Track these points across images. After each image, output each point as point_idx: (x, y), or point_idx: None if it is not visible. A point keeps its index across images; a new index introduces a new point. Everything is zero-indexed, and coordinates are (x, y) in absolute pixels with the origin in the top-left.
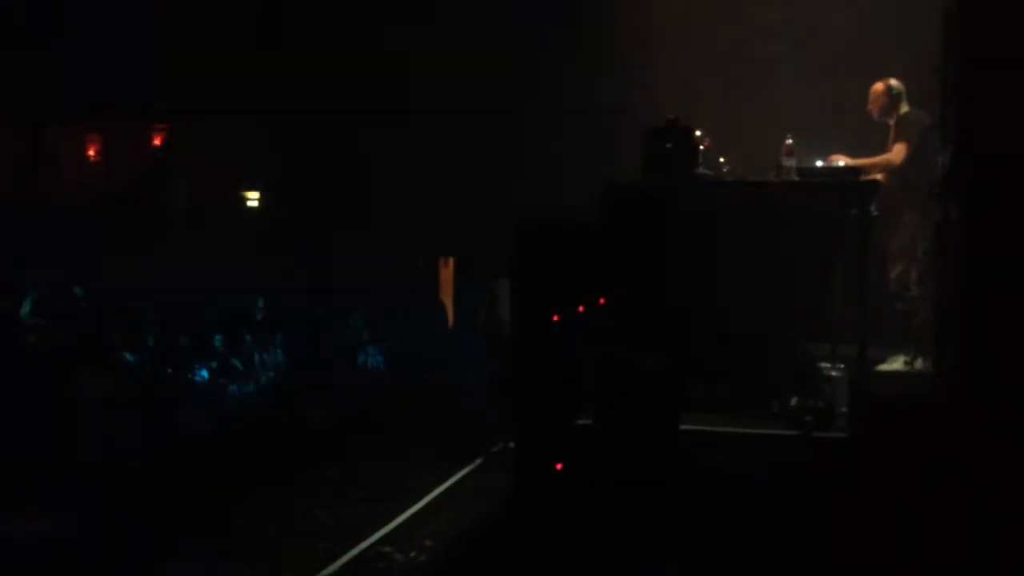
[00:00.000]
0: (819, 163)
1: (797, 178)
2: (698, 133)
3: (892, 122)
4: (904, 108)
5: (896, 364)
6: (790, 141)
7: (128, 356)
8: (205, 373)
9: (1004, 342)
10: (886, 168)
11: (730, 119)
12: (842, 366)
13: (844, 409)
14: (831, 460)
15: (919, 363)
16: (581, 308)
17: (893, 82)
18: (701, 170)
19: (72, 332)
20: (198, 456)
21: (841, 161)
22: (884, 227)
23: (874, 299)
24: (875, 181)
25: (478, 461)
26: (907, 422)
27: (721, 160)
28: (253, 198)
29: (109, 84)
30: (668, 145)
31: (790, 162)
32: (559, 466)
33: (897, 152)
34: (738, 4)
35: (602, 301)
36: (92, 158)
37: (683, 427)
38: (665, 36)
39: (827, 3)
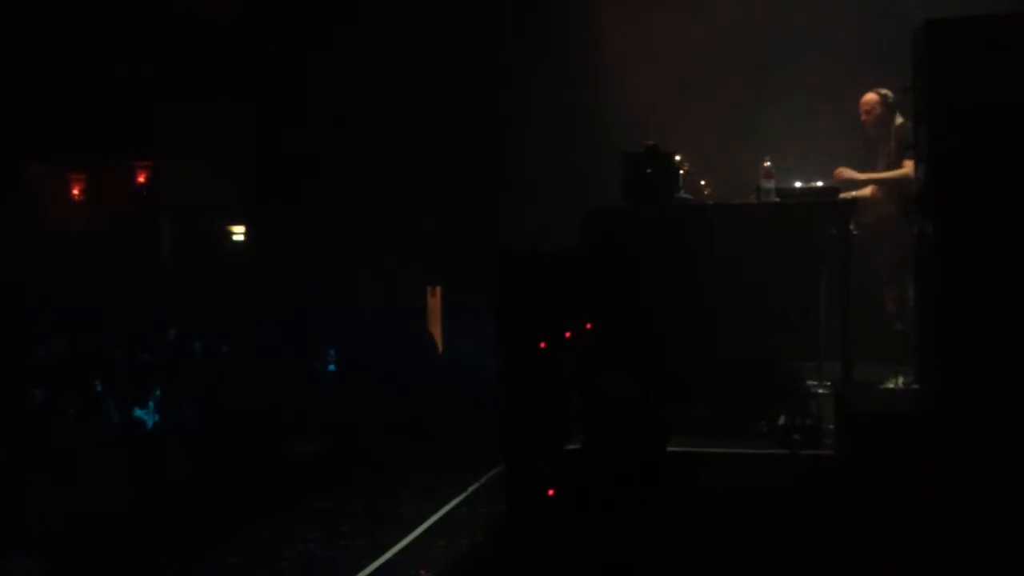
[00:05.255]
0: (798, 184)
1: (777, 199)
2: (678, 157)
3: (890, 134)
4: (899, 119)
5: (896, 383)
6: (768, 163)
7: (110, 397)
8: (187, 408)
9: (982, 358)
10: (901, 183)
11: (709, 143)
12: (828, 383)
13: (831, 426)
14: (819, 478)
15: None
16: (568, 334)
17: (886, 92)
18: (682, 194)
19: (58, 373)
20: (185, 494)
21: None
22: (878, 245)
23: (874, 318)
24: (854, 200)
25: (471, 489)
26: (893, 439)
27: (702, 183)
28: (239, 232)
29: (92, 121)
30: (648, 170)
31: (769, 184)
32: (551, 492)
33: (911, 167)
34: (714, 28)
35: (588, 326)
36: (76, 197)
37: (671, 449)
38: (643, 61)
39: (801, 26)
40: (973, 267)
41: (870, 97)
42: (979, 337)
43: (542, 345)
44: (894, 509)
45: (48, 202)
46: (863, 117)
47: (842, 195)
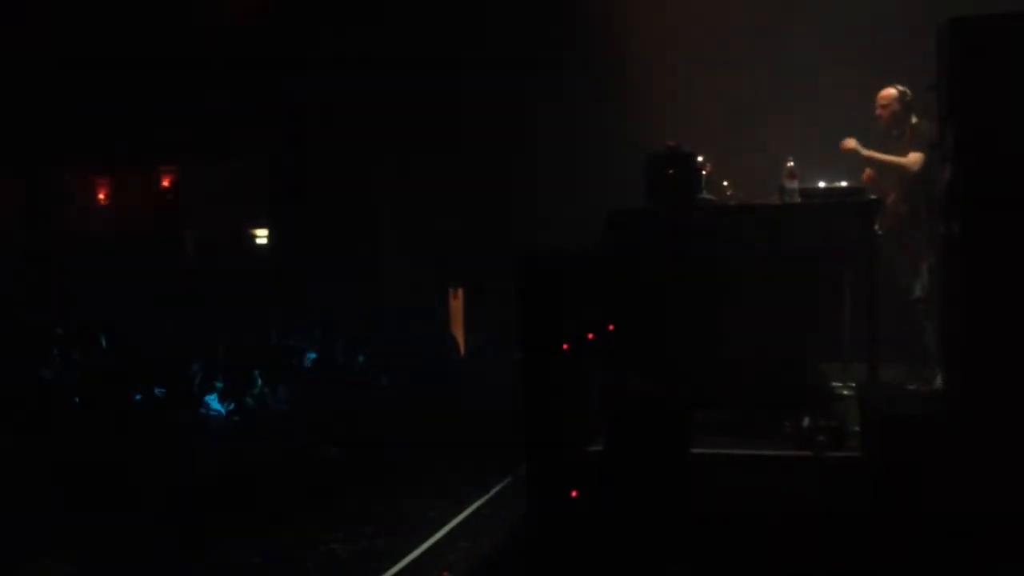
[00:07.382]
0: (822, 184)
1: (800, 200)
2: (700, 158)
3: (906, 132)
4: (915, 119)
5: (922, 385)
6: (791, 163)
7: (138, 396)
8: (220, 408)
9: (1009, 359)
10: (899, 171)
11: (732, 143)
12: (853, 385)
13: (856, 428)
14: (843, 480)
15: None
16: (590, 335)
17: (904, 89)
18: (704, 195)
19: (90, 375)
20: (211, 493)
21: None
22: (899, 245)
23: (899, 319)
24: (878, 200)
25: (494, 490)
26: (918, 441)
27: (724, 184)
28: (262, 235)
29: (117, 126)
30: (671, 171)
31: (792, 184)
32: (574, 493)
33: (914, 160)
34: (736, 28)
35: (611, 328)
36: (101, 201)
37: (695, 450)
38: (664, 63)
39: (822, 25)
40: (999, 268)
41: (888, 92)
42: (1006, 339)
43: (565, 346)
44: (918, 511)
45: (73, 206)
46: (878, 111)
47: (868, 195)
